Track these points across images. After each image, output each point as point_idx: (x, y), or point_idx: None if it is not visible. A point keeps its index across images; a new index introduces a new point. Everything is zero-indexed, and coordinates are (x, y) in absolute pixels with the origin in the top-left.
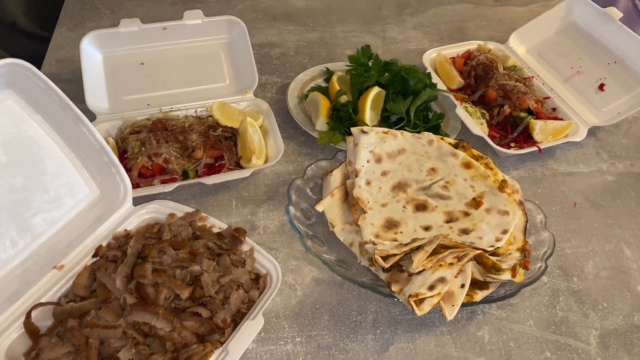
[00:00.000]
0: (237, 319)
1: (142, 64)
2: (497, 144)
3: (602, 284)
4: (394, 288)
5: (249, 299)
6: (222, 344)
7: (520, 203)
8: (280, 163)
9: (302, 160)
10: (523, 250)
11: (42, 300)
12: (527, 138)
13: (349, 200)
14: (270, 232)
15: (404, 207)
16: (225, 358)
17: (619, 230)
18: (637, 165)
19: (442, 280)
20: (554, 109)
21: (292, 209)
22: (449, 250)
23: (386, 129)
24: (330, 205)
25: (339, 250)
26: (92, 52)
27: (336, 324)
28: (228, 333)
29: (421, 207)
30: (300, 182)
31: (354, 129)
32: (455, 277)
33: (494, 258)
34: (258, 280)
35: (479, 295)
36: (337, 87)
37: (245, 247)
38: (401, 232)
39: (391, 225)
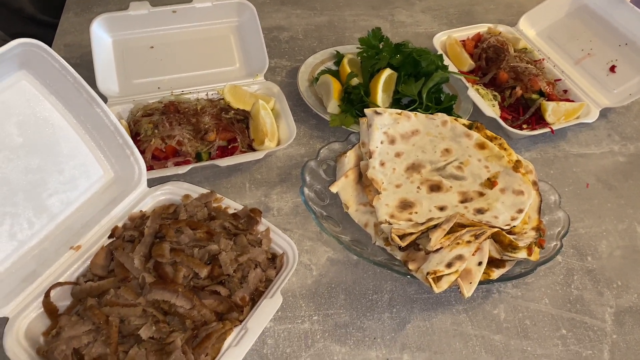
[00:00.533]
0: (256, 297)
1: (152, 47)
2: (509, 126)
3: (616, 262)
4: (411, 266)
5: (266, 278)
6: (241, 321)
7: (534, 183)
8: (292, 146)
9: (313, 143)
10: (538, 229)
11: (61, 280)
12: (539, 120)
13: (363, 182)
14: (284, 213)
15: (418, 187)
16: (245, 336)
17: (631, 210)
18: None
19: (459, 257)
20: (565, 91)
21: (306, 190)
22: (467, 229)
23: (400, 110)
24: (344, 187)
25: (354, 231)
26: (101, 36)
27: (352, 302)
28: (247, 311)
29: (436, 187)
30: (313, 163)
31: (367, 110)
32: (473, 254)
33: (510, 236)
34: (275, 260)
35: (496, 273)
36: (348, 70)
37: (261, 228)
38: (416, 213)
39: (406, 205)
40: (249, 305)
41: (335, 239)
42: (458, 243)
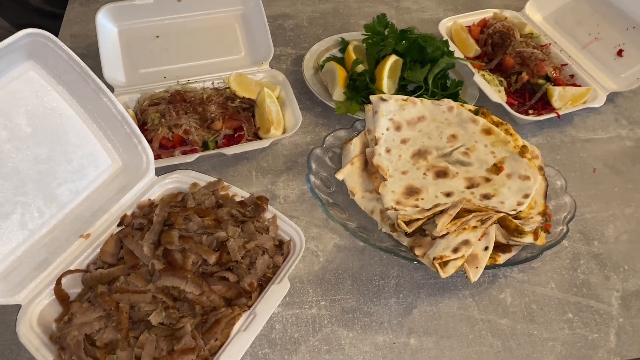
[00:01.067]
0: (263, 283)
1: (158, 36)
2: (516, 111)
3: (622, 247)
4: (417, 252)
5: (273, 264)
6: (249, 307)
7: (540, 168)
8: (297, 134)
9: (319, 130)
10: (544, 214)
11: (71, 268)
12: (545, 105)
13: (369, 169)
14: (291, 201)
15: (424, 174)
16: (253, 321)
17: (639, 194)
18: None
19: (466, 243)
20: (571, 76)
21: (312, 177)
22: (473, 214)
23: (405, 97)
24: (350, 174)
25: (360, 218)
26: (107, 26)
27: (359, 288)
28: (255, 297)
29: (442, 173)
30: (319, 151)
31: (373, 97)
32: (479, 240)
33: (517, 221)
34: (282, 247)
35: (502, 258)
36: (354, 57)
37: (267, 215)
38: (422, 199)
39: (412, 192)
40: (257, 291)
41: (342, 225)
42: (464, 228)
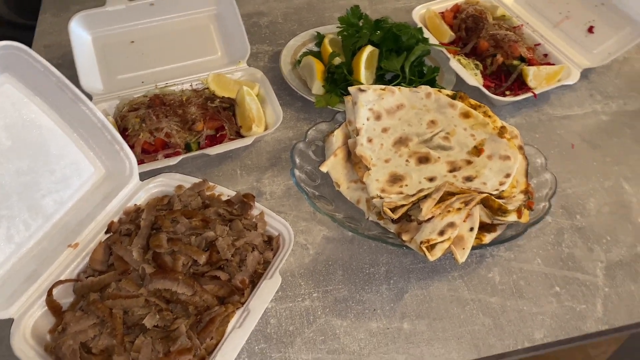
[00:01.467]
0: (255, 279)
1: (133, 42)
2: (493, 93)
3: (604, 219)
4: (405, 237)
5: (264, 260)
6: (242, 304)
7: (520, 147)
8: (279, 130)
9: (301, 125)
10: (526, 192)
11: (62, 278)
12: (521, 85)
13: (352, 159)
14: (277, 196)
15: (407, 161)
16: (247, 317)
17: (617, 167)
18: (630, 103)
19: (451, 225)
20: (545, 55)
21: (297, 171)
22: (456, 196)
23: (383, 86)
24: (334, 165)
25: (346, 209)
26: (80, 34)
27: (350, 277)
28: (247, 293)
29: (424, 159)
30: (302, 145)
31: (351, 88)
32: (464, 221)
33: (500, 201)
34: (271, 242)
35: (488, 237)
36: (330, 50)
37: (255, 212)
38: (406, 185)
39: (396, 179)
40: (249, 287)
41: (329, 217)
42: (449, 211)
